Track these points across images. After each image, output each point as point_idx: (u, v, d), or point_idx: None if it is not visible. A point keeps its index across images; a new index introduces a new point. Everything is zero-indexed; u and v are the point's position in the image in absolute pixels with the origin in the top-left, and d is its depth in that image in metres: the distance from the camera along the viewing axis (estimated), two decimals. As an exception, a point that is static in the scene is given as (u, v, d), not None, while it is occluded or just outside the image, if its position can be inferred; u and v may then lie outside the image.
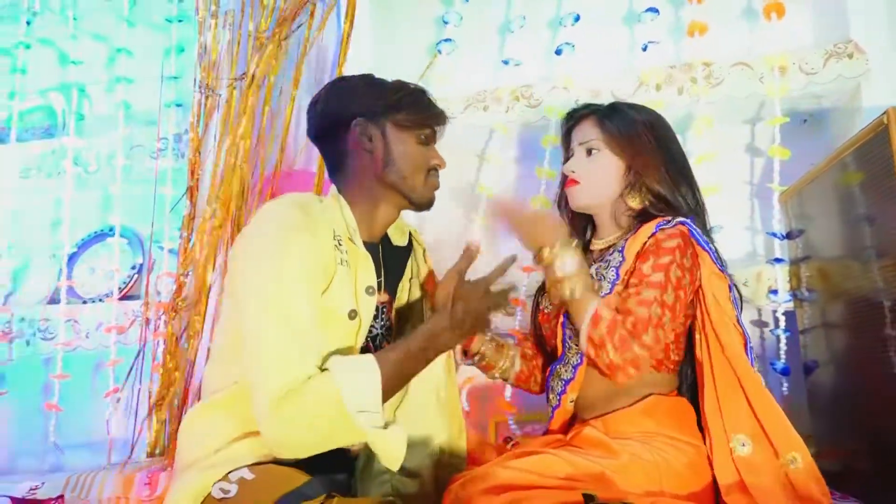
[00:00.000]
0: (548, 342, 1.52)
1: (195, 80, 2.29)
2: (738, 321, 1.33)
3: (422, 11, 2.41)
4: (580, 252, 1.37)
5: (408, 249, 1.46)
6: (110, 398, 2.18)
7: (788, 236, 1.89)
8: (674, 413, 1.35)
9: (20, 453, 2.39)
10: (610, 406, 1.36)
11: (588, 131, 1.46)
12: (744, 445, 1.26)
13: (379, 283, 1.33)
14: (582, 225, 1.57)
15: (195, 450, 1.20)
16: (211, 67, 2.29)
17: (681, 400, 1.39)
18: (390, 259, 1.40)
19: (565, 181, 1.50)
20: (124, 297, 2.39)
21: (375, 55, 2.22)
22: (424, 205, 1.35)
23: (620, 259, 1.36)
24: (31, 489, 1.80)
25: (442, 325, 1.19)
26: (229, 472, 1.13)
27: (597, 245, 1.49)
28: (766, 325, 2.02)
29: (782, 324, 1.84)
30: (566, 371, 1.40)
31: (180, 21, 2.37)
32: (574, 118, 1.51)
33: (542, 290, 1.57)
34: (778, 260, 1.87)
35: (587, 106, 1.52)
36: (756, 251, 2.16)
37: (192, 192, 2.23)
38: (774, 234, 1.89)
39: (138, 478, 1.71)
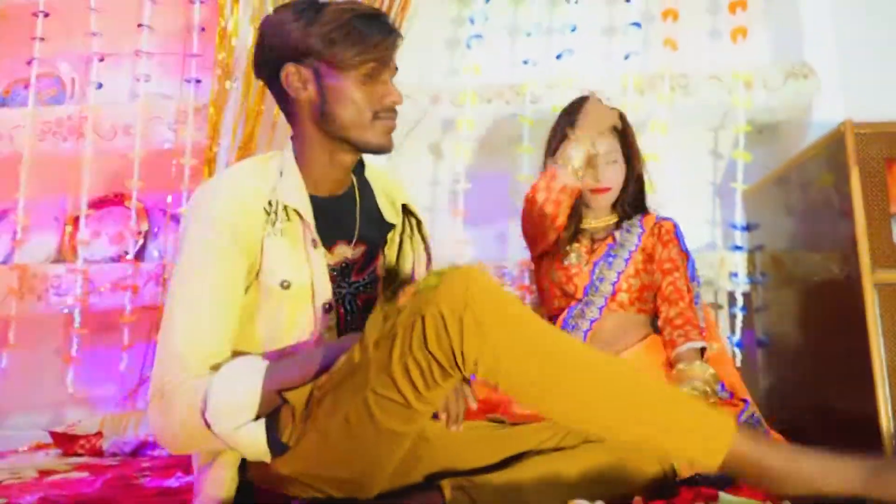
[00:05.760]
0: (560, 289, 1.79)
1: (215, 60, 2.45)
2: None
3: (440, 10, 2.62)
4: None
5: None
6: (125, 353, 2.32)
7: (747, 228, 2.20)
8: (659, 348, 1.71)
9: (36, 405, 2.50)
10: (617, 343, 1.71)
11: (611, 145, 1.77)
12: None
13: (348, 235, 1.25)
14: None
15: None
16: (230, 51, 2.45)
17: (658, 337, 1.73)
18: (368, 212, 1.30)
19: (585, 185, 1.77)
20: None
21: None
22: (379, 151, 1.21)
23: (637, 242, 1.76)
24: (69, 426, 1.94)
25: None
26: None
27: (592, 224, 1.85)
28: (720, 307, 2.34)
29: (740, 303, 2.15)
30: (591, 311, 1.74)
31: (202, 2, 2.51)
32: None
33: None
34: (737, 247, 2.18)
35: None
36: (715, 241, 2.47)
37: (209, 163, 2.40)
38: (735, 226, 2.20)
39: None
